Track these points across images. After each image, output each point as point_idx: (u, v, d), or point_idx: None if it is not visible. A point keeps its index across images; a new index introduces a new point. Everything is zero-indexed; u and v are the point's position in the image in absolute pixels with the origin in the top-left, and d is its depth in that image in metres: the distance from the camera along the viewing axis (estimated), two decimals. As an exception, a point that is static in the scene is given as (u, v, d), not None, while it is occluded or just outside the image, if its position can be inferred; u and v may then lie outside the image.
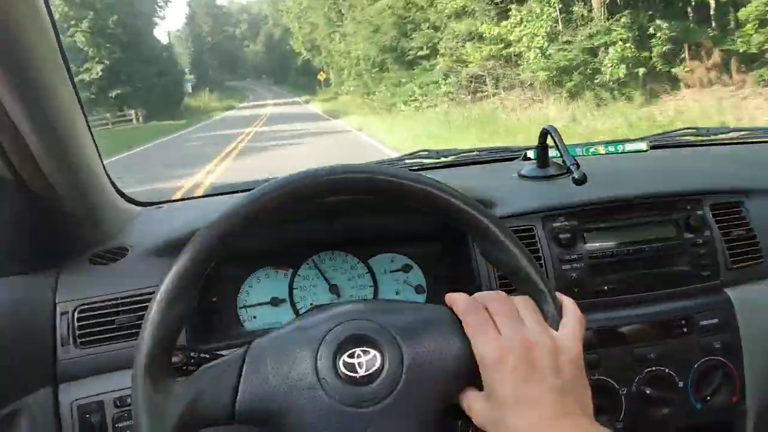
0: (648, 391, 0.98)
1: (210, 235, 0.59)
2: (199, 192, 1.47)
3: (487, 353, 0.57)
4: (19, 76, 0.74)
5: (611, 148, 1.35)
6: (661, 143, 1.47)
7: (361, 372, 0.57)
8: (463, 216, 0.63)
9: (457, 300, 0.63)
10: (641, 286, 1.03)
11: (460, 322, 0.61)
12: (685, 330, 1.01)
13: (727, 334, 1.02)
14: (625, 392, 0.98)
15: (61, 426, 0.87)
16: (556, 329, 0.61)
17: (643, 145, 1.33)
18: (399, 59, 20.36)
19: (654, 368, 0.99)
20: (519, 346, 0.57)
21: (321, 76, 40.08)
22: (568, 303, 0.64)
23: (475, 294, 0.64)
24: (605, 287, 1.01)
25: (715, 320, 1.02)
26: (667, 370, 0.99)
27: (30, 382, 0.86)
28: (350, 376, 0.57)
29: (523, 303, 0.62)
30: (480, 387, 0.59)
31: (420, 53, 18.86)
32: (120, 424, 0.87)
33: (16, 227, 0.93)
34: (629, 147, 1.34)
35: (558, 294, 0.64)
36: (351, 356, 0.58)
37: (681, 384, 1.00)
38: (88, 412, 0.87)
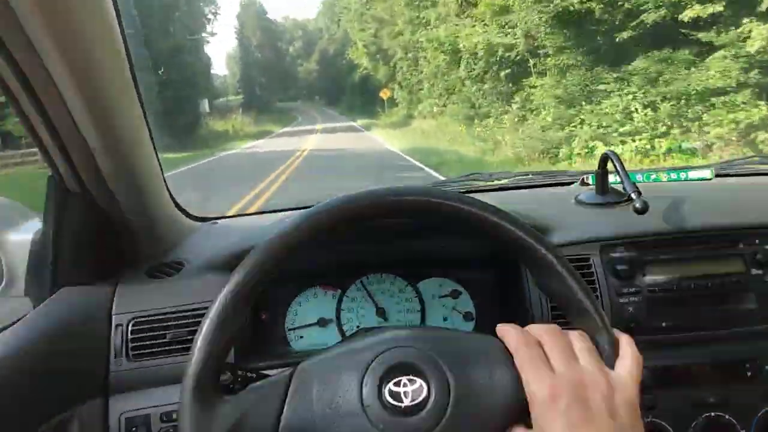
0: None
1: (265, 254, 0.60)
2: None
3: (538, 391, 0.55)
4: (91, 95, 0.77)
5: (674, 176, 1.30)
6: (726, 171, 1.40)
7: (407, 401, 0.56)
8: (517, 243, 0.61)
9: (509, 332, 0.60)
10: (703, 324, 0.97)
11: (511, 355, 0.58)
12: (749, 374, 0.95)
13: None
14: None
15: None
16: (612, 368, 0.58)
17: (707, 173, 1.27)
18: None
19: (713, 414, 0.93)
20: (572, 384, 0.54)
21: (384, 94, 32.33)
22: (625, 340, 0.61)
23: (528, 326, 0.61)
24: (664, 324, 0.96)
25: None
26: (727, 416, 0.93)
27: (83, 392, 0.88)
28: (395, 405, 0.56)
29: (578, 339, 0.59)
30: (529, 425, 0.56)
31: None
32: None
33: (80, 239, 0.96)
34: (693, 175, 1.29)
35: (615, 330, 0.61)
36: (397, 384, 0.57)
37: None
38: (134, 426, 0.89)
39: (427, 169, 11.46)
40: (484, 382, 0.57)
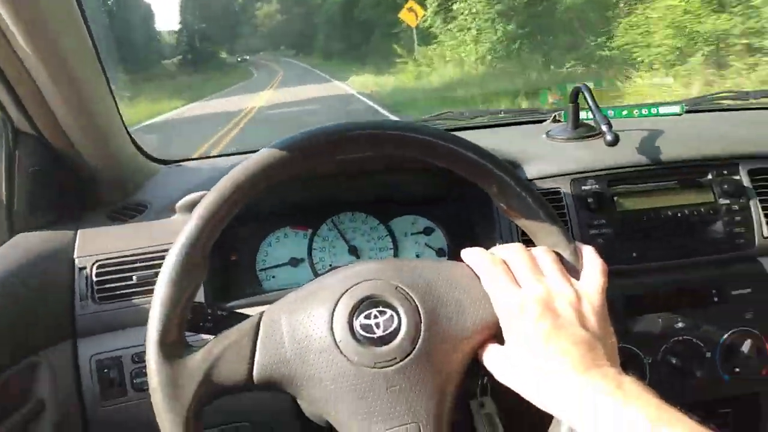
0: (674, 361, 0.95)
1: (215, 201, 0.57)
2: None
3: (507, 306, 0.55)
4: (36, 28, 0.72)
5: (645, 111, 1.30)
6: (696, 107, 1.41)
7: (379, 332, 0.56)
8: (473, 167, 0.61)
9: (474, 255, 0.61)
10: (672, 253, 0.99)
11: (479, 277, 0.59)
12: (716, 299, 0.98)
13: (759, 304, 0.98)
14: (650, 361, 0.96)
15: (80, 380, 0.87)
16: (578, 279, 0.59)
17: (677, 109, 1.27)
18: None
19: (681, 337, 0.96)
20: (540, 297, 0.55)
21: (410, 16, 15.57)
22: (588, 251, 0.61)
23: (492, 248, 0.62)
24: (634, 253, 0.97)
25: (748, 290, 0.98)
26: (694, 340, 0.96)
27: (50, 336, 0.86)
28: (367, 337, 0.56)
29: (542, 254, 0.60)
30: (501, 342, 0.57)
31: None
32: (138, 380, 0.87)
33: (37, 182, 0.92)
34: (663, 110, 1.28)
35: (578, 243, 0.62)
36: (368, 317, 0.56)
37: (709, 354, 0.97)
38: (106, 367, 0.88)
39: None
40: (453, 306, 0.57)
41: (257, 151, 0.59)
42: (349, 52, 28.64)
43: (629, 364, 0.95)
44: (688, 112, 1.31)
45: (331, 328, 0.56)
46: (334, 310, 0.57)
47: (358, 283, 0.59)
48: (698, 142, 1.08)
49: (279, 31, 72.59)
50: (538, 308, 0.54)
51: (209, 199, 0.57)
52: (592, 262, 0.60)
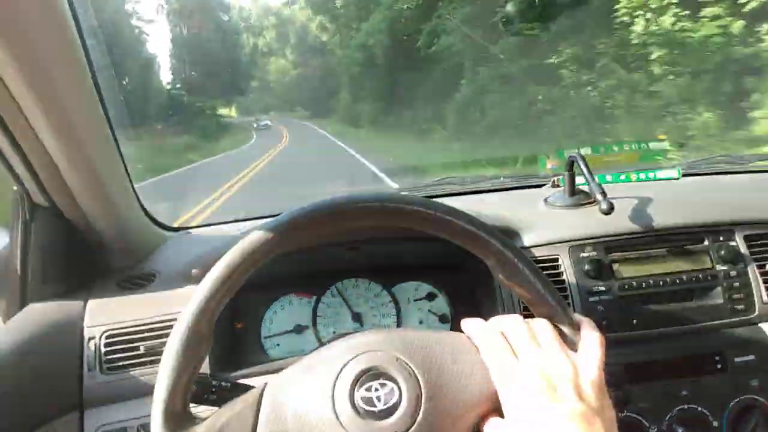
0: (680, 430, 0.94)
1: (222, 273, 0.59)
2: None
3: (505, 379, 0.56)
4: (51, 109, 0.76)
5: (642, 176, 1.33)
6: (694, 171, 1.44)
7: (380, 406, 0.56)
8: (473, 239, 0.63)
9: (472, 326, 0.62)
10: (673, 319, 0.99)
11: (478, 348, 0.60)
12: (719, 366, 0.97)
13: (763, 371, 0.97)
14: (655, 430, 0.94)
15: None
16: (575, 351, 0.59)
17: (674, 173, 1.30)
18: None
19: (686, 406, 0.95)
20: (538, 370, 0.55)
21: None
22: (586, 323, 0.62)
23: (491, 319, 0.63)
24: (634, 320, 0.98)
25: (751, 357, 0.98)
26: (700, 408, 0.95)
27: (58, 407, 0.87)
28: (368, 410, 0.56)
29: (539, 325, 0.61)
30: (501, 414, 0.57)
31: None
32: None
33: (48, 253, 0.95)
34: (661, 175, 1.31)
35: (576, 315, 0.63)
36: (368, 390, 0.57)
37: (716, 423, 0.95)
38: None
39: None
40: (453, 378, 0.58)
41: (262, 218, 0.61)
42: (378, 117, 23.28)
43: None
44: (685, 175, 1.34)
45: (333, 401, 0.56)
46: (335, 383, 0.58)
47: (358, 355, 0.59)
48: (694, 208, 1.10)
49: (293, 89, 61.42)
50: (536, 381, 0.55)
51: (216, 272, 0.59)
52: (589, 334, 0.61)
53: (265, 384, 0.60)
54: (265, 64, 66.64)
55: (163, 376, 0.56)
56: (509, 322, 0.61)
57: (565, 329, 0.61)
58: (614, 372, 0.94)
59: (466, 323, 0.63)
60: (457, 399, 0.57)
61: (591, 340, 0.60)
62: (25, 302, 0.95)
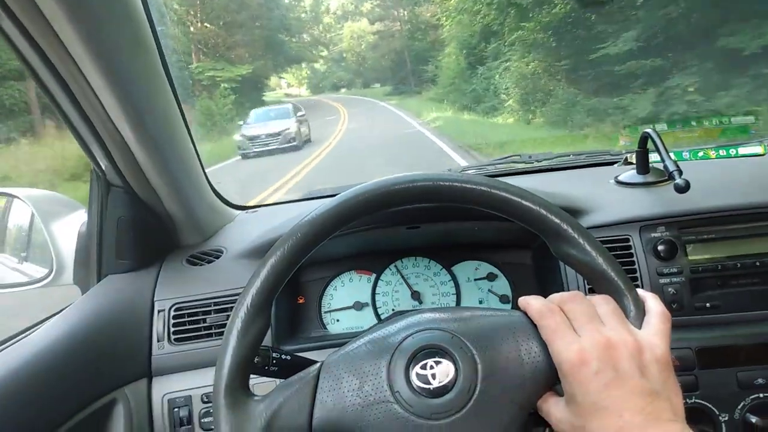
0: (753, 420, 0.88)
1: (280, 255, 0.60)
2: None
3: (566, 357, 0.54)
4: (122, 92, 0.80)
5: (723, 152, 1.24)
6: None
7: (435, 383, 0.56)
8: (532, 216, 0.61)
9: (531, 303, 0.59)
10: (748, 303, 0.93)
11: (536, 326, 0.58)
12: None
13: None
14: (726, 419, 0.89)
15: (152, 417, 0.93)
16: (639, 327, 0.56)
17: (759, 149, 1.21)
18: None
19: (762, 395, 0.89)
20: (599, 347, 0.53)
21: None
22: (650, 299, 0.59)
23: (551, 296, 0.60)
24: (707, 304, 0.92)
25: None
26: None
27: (128, 374, 0.92)
28: (424, 387, 0.56)
29: (601, 301, 0.58)
30: (560, 392, 0.56)
31: None
32: (205, 420, 0.92)
33: (123, 229, 1.00)
34: (743, 150, 1.23)
35: (639, 290, 0.60)
36: (423, 367, 0.56)
37: None
38: (176, 406, 0.93)
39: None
40: (510, 356, 0.56)
41: (327, 197, 0.62)
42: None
43: (703, 420, 0.89)
44: (772, 151, 1.24)
45: (388, 379, 0.57)
46: (390, 360, 0.58)
47: (415, 333, 0.59)
48: None
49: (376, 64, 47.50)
50: (598, 359, 0.52)
51: (278, 249, 0.61)
52: (654, 309, 0.58)
53: (323, 361, 0.61)
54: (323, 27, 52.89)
55: (224, 351, 0.58)
56: (569, 299, 0.58)
57: (629, 305, 0.58)
58: (684, 357, 0.90)
59: (525, 300, 0.61)
60: (514, 377, 0.56)
61: (656, 315, 0.57)
62: (102, 275, 1.01)
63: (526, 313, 0.60)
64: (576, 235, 0.60)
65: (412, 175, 0.62)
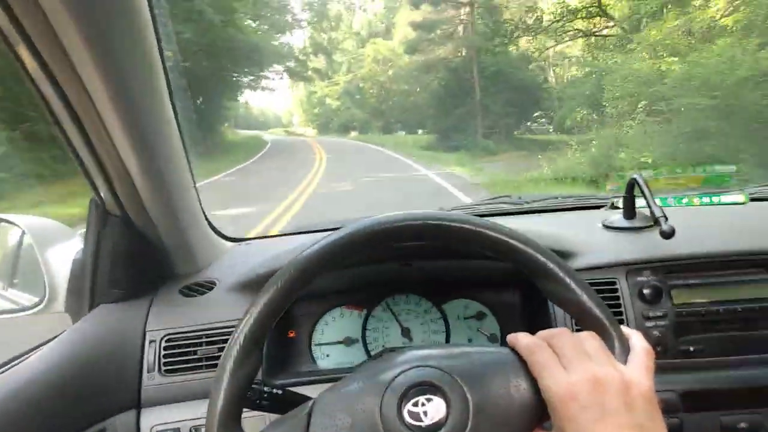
0: None
1: (274, 292, 0.61)
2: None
3: (555, 392, 0.55)
4: (130, 123, 0.82)
5: (706, 200, 1.28)
6: (762, 195, 1.37)
7: (427, 420, 0.56)
8: (520, 256, 0.63)
9: (520, 339, 0.61)
10: (732, 348, 0.95)
11: (525, 362, 0.59)
12: None
13: None
14: None
15: None
16: (624, 363, 0.58)
17: (741, 198, 1.25)
18: None
19: None
20: (587, 382, 0.54)
21: None
22: (634, 336, 0.61)
23: (539, 332, 0.62)
24: (691, 348, 0.94)
25: None
26: None
27: (117, 405, 0.92)
28: (416, 425, 0.56)
29: (588, 338, 0.59)
30: (549, 428, 0.57)
31: None
32: None
33: (118, 259, 1.01)
34: (726, 199, 1.26)
35: (623, 327, 0.62)
36: (415, 405, 0.57)
37: None
38: None
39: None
40: (501, 393, 0.57)
41: (322, 231, 0.63)
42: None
43: None
44: (753, 200, 1.29)
45: (381, 416, 0.57)
46: (383, 398, 0.58)
47: (406, 370, 0.60)
48: (758, 233, 1.05)
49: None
50: (586, 394, 0.54)
51: (273, 284, 0.61)
52: (638, 346, 0.59)
53: (314, 400, 0.61)
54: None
55: (218, 387, 0.58)
56: (557, 334, 0.60)
57: (614, 342, 0.60)
58: (669, 399, 0.91)
59: (514, 337, 0.62)
60: (505, 413, 0.56)
61: (640, 352, 0.59)
62: (94, 304, 1.00)
63: (514, 350, 0.61)
64: (562, 275, 0.62)
65: (403, 214, 0.64)
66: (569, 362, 0.57)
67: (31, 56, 0.72)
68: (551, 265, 0.62)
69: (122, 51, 0.74)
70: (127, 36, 0.74)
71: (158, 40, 0.82)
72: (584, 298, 0.61)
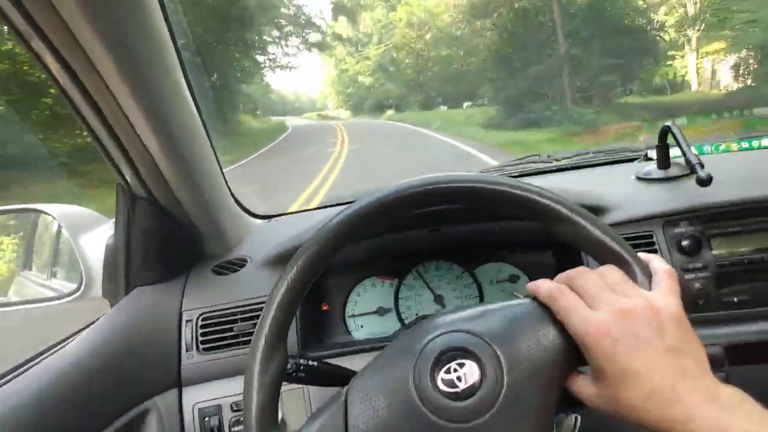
0: None
1: (307, 257, 0.61)
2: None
3: (585, 332, 0.53)
4: (147, 105, 0.82)
5: (745, 144, 1.23)
6: None
7: (462, 385, 0.55)
8: (526, 203, 0.61)
9: (540, 287, 0.59)
10: None
11: (549, 309, 0.57)
12: None
13: None
14: None
15: (183, 426, 0.94)
16: (649, 289, 0.56)
17: (783, 140, 1.19)
18: None
19: None
20: (615, 316, 0.53)
21: None
22: (654, 260, 0.59)
23: (557, 276, 0.60)
24: (735, 299, 0.91)
25: None
26: None
27: (159, 384, 0.94)
28: (451, 392, 0.55)
29: (608, 271, 0.58)
30: (588, 371, 0.55)
31: None
32: (236, 429, 0.92)
33: (149, 241, 1.02)
34: (767, 142, 1.21)
35: (642, 254, 0.60)
36: (448, 371, 0.56)
37: None
38: (207, 415, 0.93)
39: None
40: (531, 345, 0.56)
41: (349, 203, 0.63)
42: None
43: None
44: (797, 142, 1.23)
45: (416, 389, 0.56)
46: (414, 369, 0.57)
47: (434, 338, 0.59)
48: None
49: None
50: (615, 328, 0.52)
51: (298, 257, 0.61)
52: (659, 269, 0.57)
53: (348, 387, 0.60)
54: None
55: (253, 360, 0.58)
56: (576, 275, 0.58)
57: (635, 270, 0.58)
58: (714, 353, 0.88)
59: (533, 285, 0.60)
60: (538, 365, 0.55)
61: (662, 275, 0.57)
62: (130, 287, 1.02)
63: (536, 299, 0.60)
64: (566, 211, 0.60)
65: (421, 179, 0.62)
66: (593, 300, 0.55)
67: (48, 52, 0.72)
68: (555, 205, 0.60)
69: (134, 36, 0.74)
70: (140, 23, 0.74)
71: (167, 21, 0.81)
72: (596, 232, 0.59)
